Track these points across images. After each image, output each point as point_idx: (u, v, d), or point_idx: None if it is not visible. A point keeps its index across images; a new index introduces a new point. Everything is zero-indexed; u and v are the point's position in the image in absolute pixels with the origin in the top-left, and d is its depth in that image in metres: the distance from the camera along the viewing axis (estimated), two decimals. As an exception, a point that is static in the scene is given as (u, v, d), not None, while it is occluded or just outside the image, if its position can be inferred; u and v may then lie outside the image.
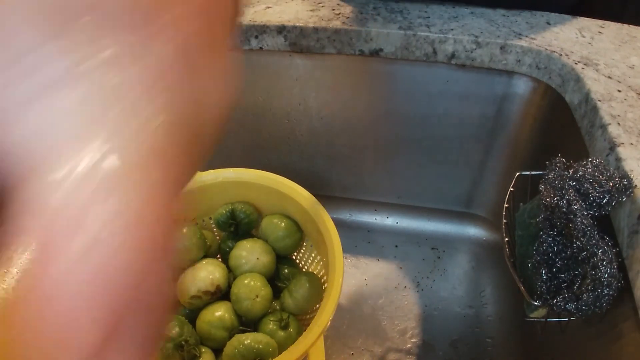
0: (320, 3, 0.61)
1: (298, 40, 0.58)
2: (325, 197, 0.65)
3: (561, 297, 0.36)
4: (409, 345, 0.59)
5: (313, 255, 0.58)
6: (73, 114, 0.14)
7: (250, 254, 0.54)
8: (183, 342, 0.47)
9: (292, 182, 0.56)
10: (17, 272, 0.14)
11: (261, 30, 0.58)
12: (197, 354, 0.48)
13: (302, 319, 0.55)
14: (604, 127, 0.43)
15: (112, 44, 0.14)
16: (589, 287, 0.35)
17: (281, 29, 0.58)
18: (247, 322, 0.53)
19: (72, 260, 0.14)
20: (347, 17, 0.58)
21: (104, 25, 0.14)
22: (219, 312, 0.51)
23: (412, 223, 0.72)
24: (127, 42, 0.14)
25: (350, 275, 0.66)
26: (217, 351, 0.50)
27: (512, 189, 0.47)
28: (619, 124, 0.43)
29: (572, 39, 0.55)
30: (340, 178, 0.73)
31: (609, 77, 0.49)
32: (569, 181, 0.38)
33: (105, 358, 0.15)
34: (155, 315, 0.17)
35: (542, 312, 0.41)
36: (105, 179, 0.14)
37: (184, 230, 0.53)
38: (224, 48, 0.18)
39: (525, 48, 0.54)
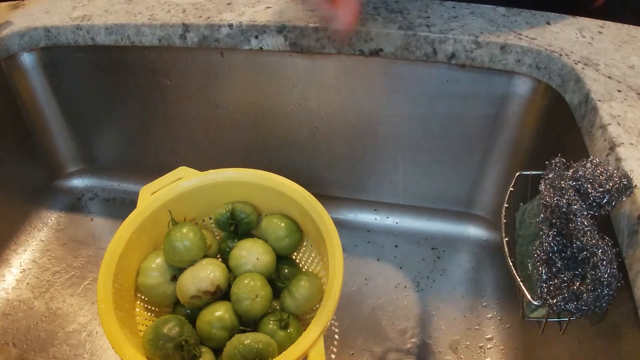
0: (320, 3, 0.61)
1: (298, 40, 0.58)
2: (325, 197, 0.65)
3: (561, 297, 0.36)
4: (409, 345, 0.59)
5: (313, 255, 0.58)
6: None
7: (250, 254, 0.54)
8: (183, 342, 0.47)
9: (292, 182, 0.56)
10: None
11: (261, 30, 0.58)
12: (197, 354, 0.48)
13: (302, 319, 0.55)
14: (604, 127, 0.43)
15: None
16: (589, 287, 0.35)
17: (281, 29, 0.58)
18: (247, 322, 0.53)
19: None
20: (347, 17, 0.57)
21: None
22: (219, 312, 0.51)
23: (412, 223, 0.72)
24: None
25: (350, 275, 0.66)
26: (217, 351, 0.50)
27: (512, 189, 0.47)
28: (619, 124, 0.43)
29: (572, 39, 0.55)
30: (340, 178, 0.72)
31: (609, 77, 0.49)
32: (569, 181, 0.38)
33: None
34: None
35: (542, 312, 0.41)
36: None
37: (184, 230, 0.53)
38: None
39: (525, 48, 0.54)
